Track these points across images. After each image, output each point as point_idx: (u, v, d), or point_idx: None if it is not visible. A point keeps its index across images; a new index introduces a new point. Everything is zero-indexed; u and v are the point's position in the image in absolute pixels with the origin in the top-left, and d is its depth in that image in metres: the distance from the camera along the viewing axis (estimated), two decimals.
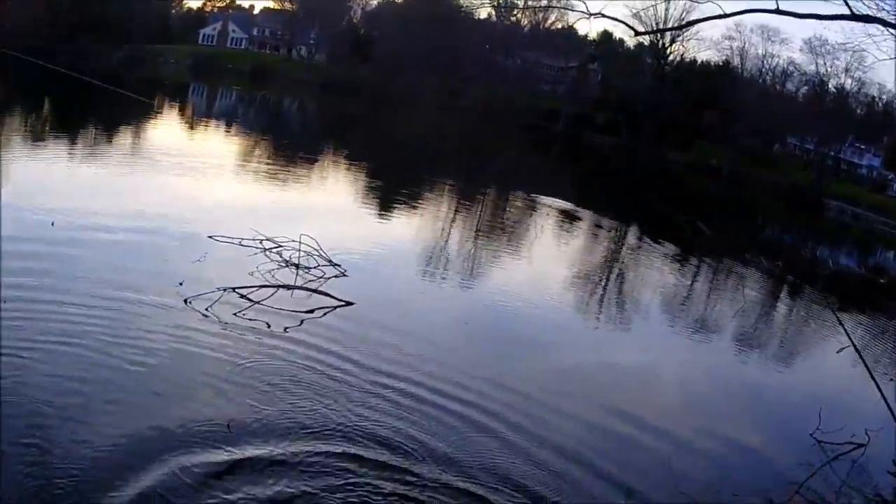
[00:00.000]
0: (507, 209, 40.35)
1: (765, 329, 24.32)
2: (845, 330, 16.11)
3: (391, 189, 37.74)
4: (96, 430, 10.14)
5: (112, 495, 8.90)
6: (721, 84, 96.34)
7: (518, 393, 14.16)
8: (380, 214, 30.90)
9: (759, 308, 26.89)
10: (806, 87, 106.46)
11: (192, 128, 49.61)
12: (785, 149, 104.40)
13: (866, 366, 14.82)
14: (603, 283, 26.45)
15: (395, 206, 32.97)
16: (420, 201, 35.90)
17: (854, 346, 15.08)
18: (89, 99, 49.41)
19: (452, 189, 42.16)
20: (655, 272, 29.40)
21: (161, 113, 54.86)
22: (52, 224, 18.39)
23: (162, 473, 9.46)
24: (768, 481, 12.46)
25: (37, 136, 32.22)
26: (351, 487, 9.94)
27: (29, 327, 12.53)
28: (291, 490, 9.64)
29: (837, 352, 16.92)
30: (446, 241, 28.00)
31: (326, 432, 11.22)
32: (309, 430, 11.14)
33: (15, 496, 8.64)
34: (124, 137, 38.12)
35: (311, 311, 16.16)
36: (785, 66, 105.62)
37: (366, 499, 9.76)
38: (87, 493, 8.87)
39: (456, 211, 35.55)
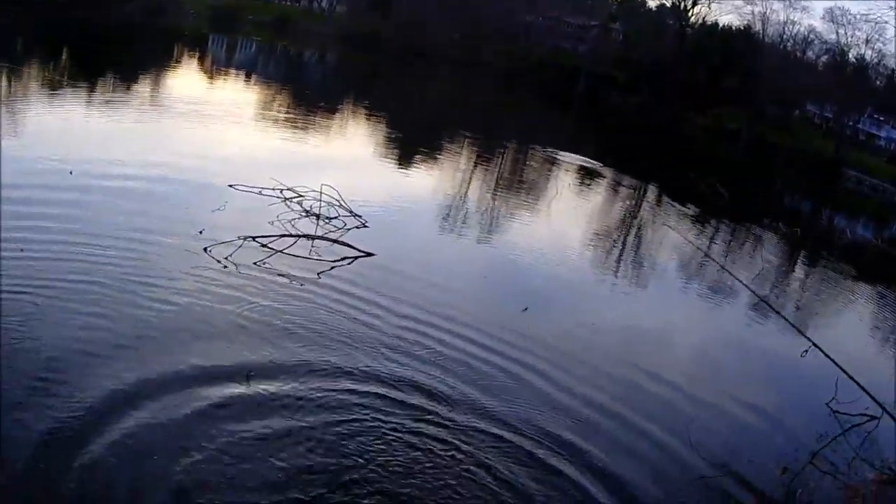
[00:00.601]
0: (527, 164, 40.13)
1: (783, 295, 24.10)
2: None
3: (411, 142, 37.60)
4: (113, 366, 10.17)
5: (124, 427, 8.96)
6: (742, 48, 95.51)
7: (538, 343, 14.18)
8: (400, 166, 30.76)
9: (778, 274, 26.68)
10: (826, 56, 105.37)
11: (211, 78, 49.30)
12: (804, 116, 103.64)
13: None
14: (621, 242, 26.33)
15: (415, 158, 32.82)
16: (440, 154, 35.73)
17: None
18: (108, 49, 49.27)
19: (472, 143, 41.90)
20: (672, 233, 29.17)
21: (180, 63, 54.57)
22: (71, 172, 18.16)
23: (179, 410, 9.52)
24: (783, 449, 12.40)
25: (54, 86, 31.99)
26: (377, 426, 10.12)
27: (47, 270, 12.48)
28: (312, 427, 9.72)
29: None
30: (466, 194, 27.87)
31: (346, 375, 11.29)
32: (326, 372, 11.21)
33: (35, 426, 8.66)
34: (143, 87, 37.86)
35: (332, 261, 16.06)
36: (806, 33, 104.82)
37: (391, 436, 9.90)
38: (100, 426, 8.91)
39: (475, 165, 35.35)
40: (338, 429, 9.90)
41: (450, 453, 9.94)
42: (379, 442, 9.82)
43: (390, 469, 9.36)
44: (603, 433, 11.36)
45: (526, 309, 15.86)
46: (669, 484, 10.43)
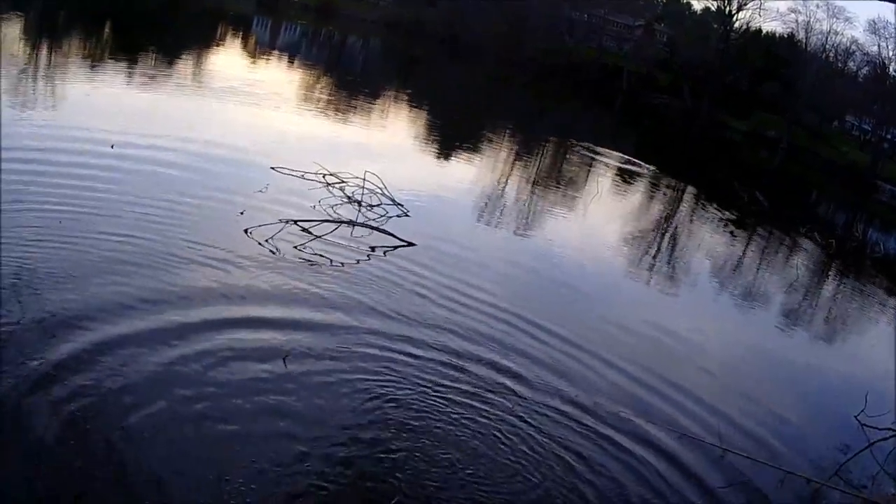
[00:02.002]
0: (567, 160, 39.98)
1: (816, 305, 23.91)
2: None
3: (453, 132, 37.66)
4: (151, 350, 10.12)
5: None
6: (784, 56, 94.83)
7: (576, 335, 14.22)
8: (442, 157, 30.77)
9: (811, 283, 26.42)
10: (867, 68, 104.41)
11: (254, 59, 49.38)
12: (843, 127, 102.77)
13: None
14: (657, 243, 26.20)
15: (457, 149, 32.82)
16: (481, 146, 35.72)
17: None
18: (151, 26, 49.43)
19: (513, 137, 41.86)
20: (709, 236, 29.05)
21: (223, 43, 54.66)
22: (112, 147, 18.19)
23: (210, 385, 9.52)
24: (809, 459, 12.29)
25: (97, 61, 32.06)
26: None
27: (81, 243, 12.55)
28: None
29: None
30: (506, 188, 27.75)
31: (380, 360, 11.31)
32: (361, 363, 11.13)
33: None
34: (186, 65, 37.93)
35: (372, 249, 16.02)
36: (847, 44, 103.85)
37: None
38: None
39: (516, 159, 35.31)
40: (369, 403, 9.99)
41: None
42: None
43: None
44: (632, 433, 11.26)
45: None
46: (694, 493, 10.27)
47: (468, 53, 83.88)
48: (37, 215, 13.08)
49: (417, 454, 9.32)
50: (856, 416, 13.50)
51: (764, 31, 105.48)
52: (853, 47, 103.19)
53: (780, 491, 10.81)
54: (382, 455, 9.16)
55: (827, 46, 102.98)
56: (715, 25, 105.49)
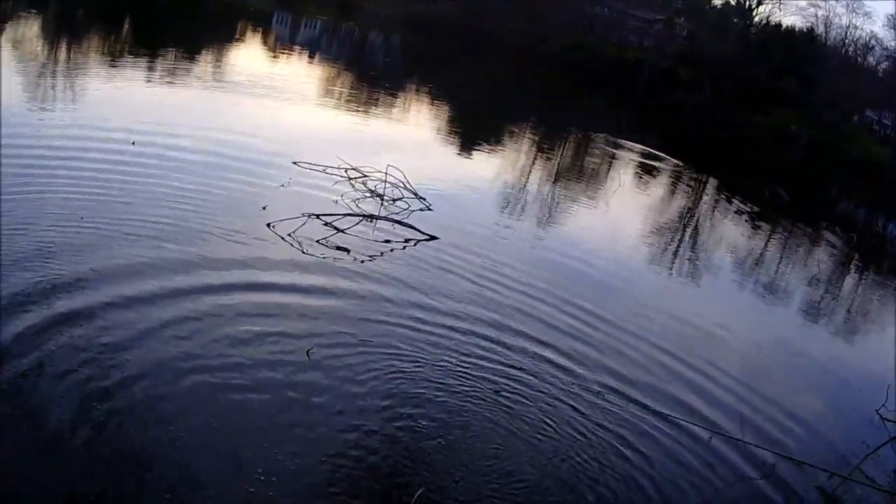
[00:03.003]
0: (589, 153, 39.88)
1: (837, 299, 23.76)
2: None
3: (475, 126, 37.63)
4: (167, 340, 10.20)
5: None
6: (804, 51, 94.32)
7: (602, 327, 14.30)
8: (464, 151, 30.76)
9: (833, 277, 26.29)
10: (886, 63, 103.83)
11: (275, 55, 49.45)
12: (862, 122, 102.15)
13: None
14: (679, 236, 26.09)
15: (479, 143, 32.77)
16: (503, 140, 35.73)
17: None
18: (171, 22, 49.52)
19: (534, 131, 41.75)
20: (731, 229, 28.96)
21: (244, 39, 54.73)
22: (133, 143, 18.24)
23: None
24: (830, 452, 12.19)
25: (117, 57, 32.15)
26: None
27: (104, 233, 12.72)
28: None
29: None
30: (528, 182, 27.70)
31: (410, 353, 11.35)
32: (386, 356, 11.15)
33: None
34: (206, 61, 38.01)
35: (395, 243, 16.05)
36: (867, 39, 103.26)
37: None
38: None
39: (538, 153, 35.20)
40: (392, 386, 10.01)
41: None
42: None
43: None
44: (653, 427, 11.26)
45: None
46: (715, 484, 10.28)
47: (489, 49, 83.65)
48: (57, 207, 13.36)
49: (444, 443, 9.39)
50: (877, 411, 13.46)
51: (784, 26, 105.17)
52: (872, 42, 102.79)
53: (801, 484, 10.79)
54: (409, 445, 9.22)
55: (846, 41, 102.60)
56: (735, 20, 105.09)
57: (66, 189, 14.23)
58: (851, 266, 30.34)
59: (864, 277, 28.92)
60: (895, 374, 15.05)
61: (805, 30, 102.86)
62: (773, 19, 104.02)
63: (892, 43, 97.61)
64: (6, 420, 7.91)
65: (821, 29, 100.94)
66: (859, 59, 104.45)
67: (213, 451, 8.30)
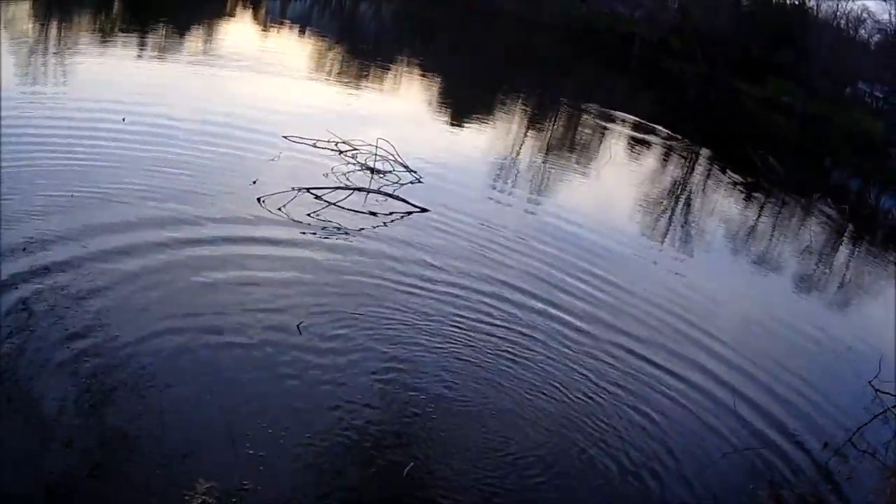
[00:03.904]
0: (581, 124, 39.73)
1: (828, 270, 23.75)
2: None
3: (466, 98, 37.50)
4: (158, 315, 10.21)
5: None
6: (795, 23, 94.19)
7: (587, 302, 14.20)
8: (455, 123, 30.61)
9: (824, 249, 26.30)
10: (878, 36, 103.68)
11: (265, 30, 49.22)
12: (856, 94, 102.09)
13: None
14: (670, 208, 26.02)
15: (470, 115, 32.63)
16: (495, 112, 35.63)
17: None
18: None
19: (526, 103, 41.62)
20: (723, 201, 28.93)
21: (234, 15, 54.45)
22: (123, 120, 18.18)
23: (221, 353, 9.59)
24: (823, 424, 12.22)
25: (106, 34, 32.00)
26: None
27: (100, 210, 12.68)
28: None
29: None
30: (519, 153, 27.70)
31: (398, 327, 11.37)
32: (378, 328, 11.20)
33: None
34: (196, 38, 37.79)
35: (386, 215, 16.03)
36: (859, 12, 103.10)
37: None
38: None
39: (529, 124, 35.09)
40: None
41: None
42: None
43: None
44: (648, 399, 11.29)
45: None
46: (709, 455, 10.33)
47: (482, 19, 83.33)
48: (47, 179, 13.49)
49: (438, 416, 9.43)
50: (870, 382, 13.45)
51: None
52: (864, 15, 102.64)
53: (794, 455, 10.82)
54: (401, 424, 9.24)
55: (838, 14, 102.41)
56: None
57: (54, 169, 14.19)
58: (844, 237, 30.34)
59: (856, 249, 28.92)
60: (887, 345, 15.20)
61: (796, 2, 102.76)
62: None
63: (885, 16, 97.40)
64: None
65: (812, 1, 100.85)
66: (851, 32, 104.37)
67: (205, 425, 8.30)
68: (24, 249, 10.56)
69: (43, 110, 17.86)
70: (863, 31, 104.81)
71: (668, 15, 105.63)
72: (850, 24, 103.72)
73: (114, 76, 23.98)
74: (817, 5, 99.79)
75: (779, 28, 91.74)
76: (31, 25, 30.19)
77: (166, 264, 11.48)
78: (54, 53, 25.48)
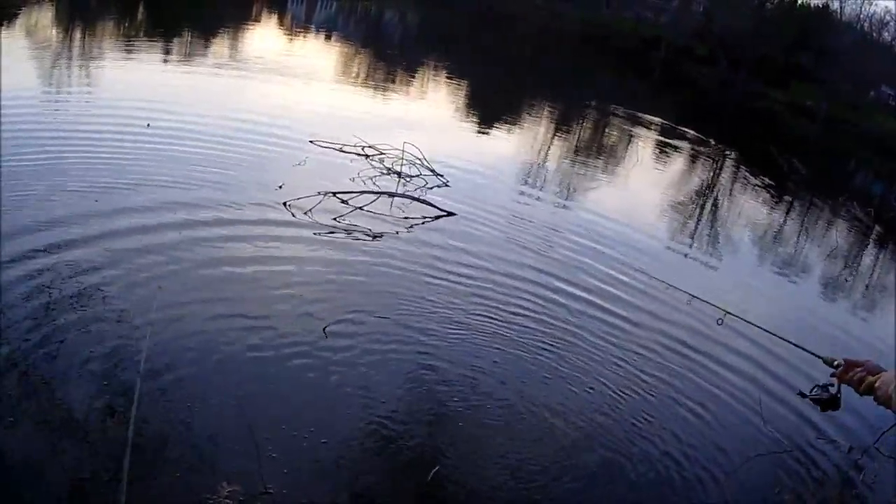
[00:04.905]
0: (607, 129, 39.72)
1: (853, 272, 23.60)
2: None
3: (492, 103, 37.58)
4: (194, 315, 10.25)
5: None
6: (819, 26, 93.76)
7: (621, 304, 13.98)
8: (481, 127, 30.67)
9: (850, 251, 26.14)
10: None
11: (291, 36, 49.37)
12: (879, 97, 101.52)
13: None
14: (698, 209, 25.98)
15: (497, 120, 32.66)
16: (520, 116, 35.59)
17: None
18: (184, 5, 49.49)
19: (552, 107, 41.65)
20: (749, 203, 28.81)
21: (259, 20, 54.64)
22: (147, 125, 18.20)
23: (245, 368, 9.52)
24: (849, 427, 11.89)
25: (132, 40, 32.15)
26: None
27: (123, 212, 12.71)
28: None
29: None
30: (546, 157, 27.68)
31: (427, 329, 11.31)
32: (405, 330, 11.16)
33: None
34: (221, 43, 37.94)
35: (413, 219, 16.03)
36: (882, 14, 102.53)
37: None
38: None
39: (555, 128, 35.12)
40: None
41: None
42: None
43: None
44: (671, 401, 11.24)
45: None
46: (735, 458, 10.20)
47: (507, 25, 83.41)
48: (70, 182, 13.54)
49: (467, 419, 9.38)
50: None
51: (799, 1, 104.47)
52: (887, 17, 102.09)
53: (819, 459, 10.72)
54: (429, 427, 9.21)
55: (861, 17, 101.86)
56: None
57: (78, 169, 14.37)
58: (869, 241, 30.15)
59: (881, 252, 28.74)
60: None
61: (820, 6, 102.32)
62: None
63: None
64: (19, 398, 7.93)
65: (836, 4, 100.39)
66: (875, 35, 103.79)
67: (228, 428, 8.23)
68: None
69: (66, 116, 18.05)
70: (886, 34, 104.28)
71: (693, 19, 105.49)
72: (873, 27, 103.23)
73: (138, 82, 24.09)
74: (841, 8, 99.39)
75: (802, 32, 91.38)
76: (54, 32, 30.37)
77: (191, 267, 11.49)
78: (78, 60, 25.60)
